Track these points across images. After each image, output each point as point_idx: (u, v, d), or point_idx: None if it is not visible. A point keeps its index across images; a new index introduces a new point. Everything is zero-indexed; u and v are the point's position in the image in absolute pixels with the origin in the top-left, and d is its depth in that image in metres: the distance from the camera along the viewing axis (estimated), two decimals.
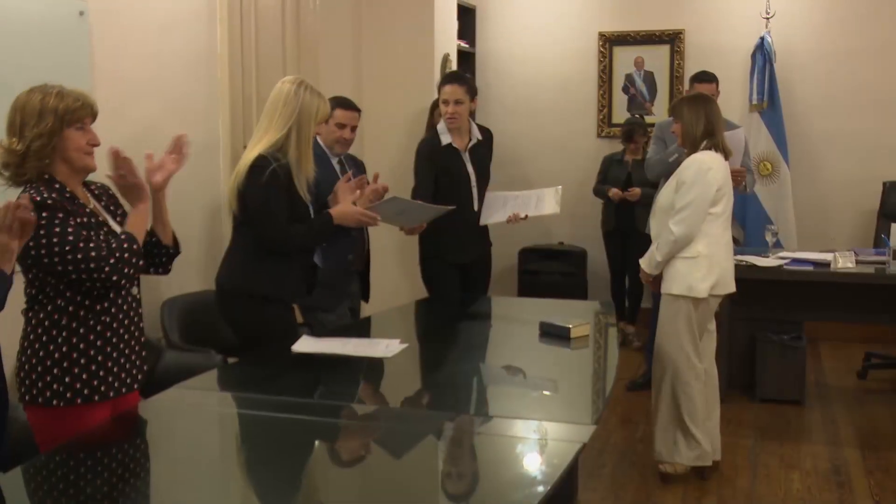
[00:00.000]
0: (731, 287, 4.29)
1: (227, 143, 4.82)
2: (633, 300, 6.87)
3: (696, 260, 4.15)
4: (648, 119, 7.02)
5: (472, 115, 4.76)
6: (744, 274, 5.21)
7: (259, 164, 3.37)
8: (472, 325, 4.21)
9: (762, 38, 6.72)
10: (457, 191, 4.53)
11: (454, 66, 6.55)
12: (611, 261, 6.86)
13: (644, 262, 4.28)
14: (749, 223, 6.86)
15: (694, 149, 4.20)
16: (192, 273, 4.53)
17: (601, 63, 7.27)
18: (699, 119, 4.19)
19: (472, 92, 4.62)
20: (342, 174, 4.07)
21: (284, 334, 3.46)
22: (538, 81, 7.37)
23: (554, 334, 3.58)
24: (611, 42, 7.24)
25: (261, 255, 3.47)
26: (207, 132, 4.69)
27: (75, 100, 2.59)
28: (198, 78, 4.64)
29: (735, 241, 6.78)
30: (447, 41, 6.45)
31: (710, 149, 4.18)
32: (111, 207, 2.79)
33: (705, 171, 4.10)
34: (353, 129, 4.25)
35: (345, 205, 3.63)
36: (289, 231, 3.45)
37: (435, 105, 5.86)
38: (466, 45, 7.22)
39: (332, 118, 4.08)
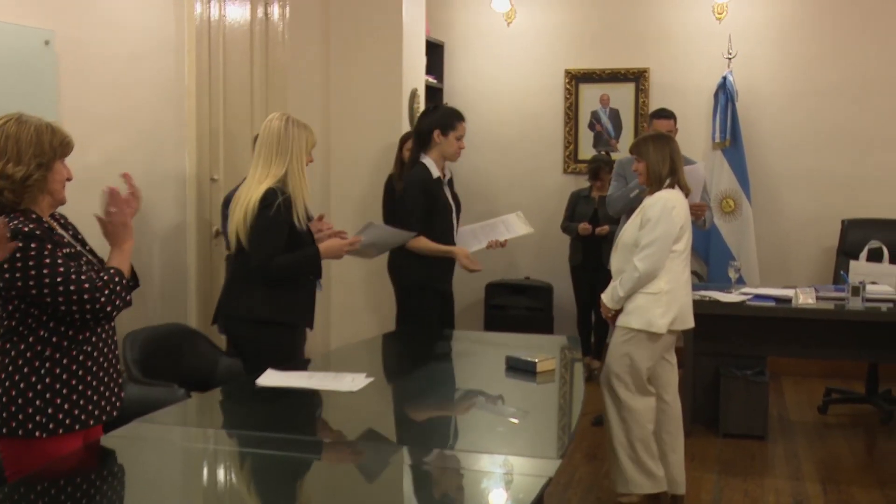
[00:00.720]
0: (689, 323, 4.34)
1: (193, 175, 4.79)
2: (600, 335, 6.88)
3: (658, 296, 4.20)
4: (614, 156, 7.08)
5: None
6: (707, 309, 5.25)
7: (268, 197, 3.63)
8: (439, 359, 4.20)
9: (724, 78, 6.81)
10: (442, 221, 4.59)
11: (422, 102, 6.58)
12: (577, 296, 6.88)
13: (606, 297, 4.31)
14: (712, 259, 6.92)
15: (658, 186, 4.26)
16: (156, 306, 4.48)
17: (567, 100, 7.33)
18: (664, 158, 4.27)
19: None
20: None
21: (289, 358, 3.67)
22: (505, 117, 7.41)
23: (520, 369, 3.57)
24: (577, 79, 7.31)
25: (268, 282, 3.69)
26: (174, 164, 4.67)
27: (64, 134, 2.66)
28: (165, 109, 4.62)
29: (698, 276, 6.88)
30: (415, 77, 6.48)
31: (671, 187, 4.26)
32: (78, 237, 2.80)
33: (670, 208, 4.16)
34: None
35: (331, 240, 3.83)
36: (272, 260, 3.64)
37: (405, 139, 5.88)
38: (434, 81, 7.25)
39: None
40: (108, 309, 2.63)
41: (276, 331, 3.73)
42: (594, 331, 6.92)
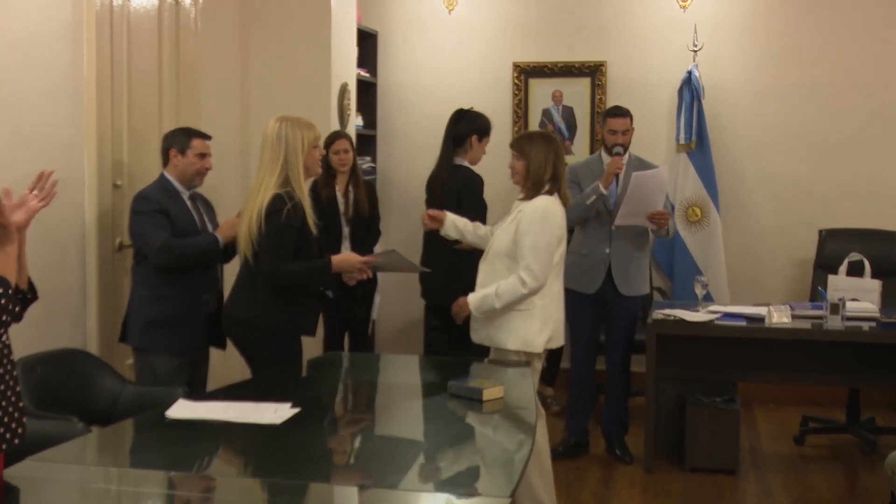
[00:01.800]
0: (561, 340, 4.58)
1: (93, 179, 4.75)
2: (552, 360, 6.95)
3: (531, 312, 4.38)
4: (568, 159, 7.15)
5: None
6: (671, 329, 5.34)
7: (275, 203, 4.11)
8: (374, 387, 4.22)
9: (689, 73, 6.92)
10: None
11: (353, 97, 6.60)
12: None
13: (474, 302, 4.39)
14: (677, 273, 7.02)
15: (536, 192, 4.43)
16: (50, 328, 4.44)
17: (516, 96, 7.40)
18: (547, 161, 4.45)
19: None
20: (193, 209, 4.62)
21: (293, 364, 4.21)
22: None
23: (464, 397, 3.61)
24: (526, 74, 7.39)
25: (276, 289, 4.18)
26: (70, 167, 4.62)
27: None
28: (59, 104, 4.58)
29: (661, 293, 6.99)
30: (346, 70, 6.50)
31: (550, 193, 4.43)
32: None
33: (551, 216, 4.36)
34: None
35: (347, 254, 4.38)
36: (281, 267, 4.14)
37: (332, 140, 5.89)
38: (367, 75, 7.28)
39: (191, 149, 4.56)
40: None
41: (279, 338, 4.22)
42: (548, 354, 6.96)
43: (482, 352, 4.62)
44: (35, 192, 2.92)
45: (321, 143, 4.50)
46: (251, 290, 4.25)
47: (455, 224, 4.77)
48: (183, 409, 3.34)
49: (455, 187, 5.55)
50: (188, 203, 4.63)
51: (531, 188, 4.45)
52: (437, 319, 5.92)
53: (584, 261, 5.62)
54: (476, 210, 5.37)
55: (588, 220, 5.59)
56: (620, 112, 5.64)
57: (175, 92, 5.47)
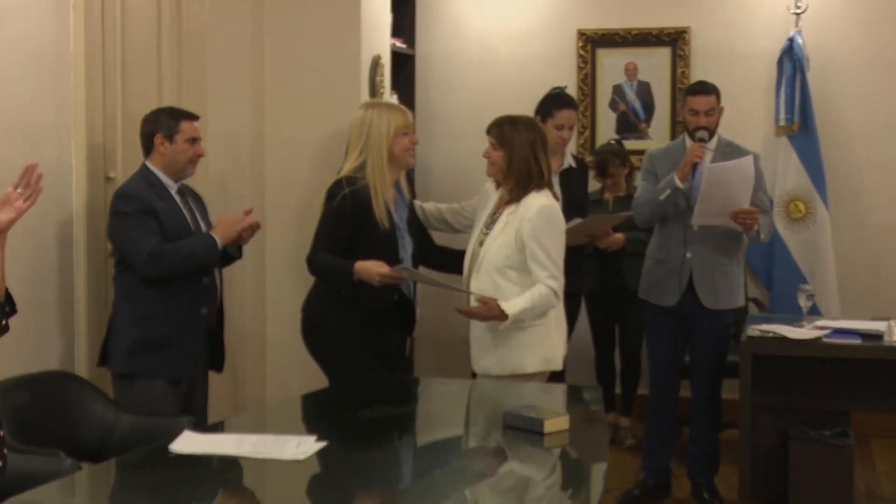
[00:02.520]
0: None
1: (81, 171, 4.80)
2: (628, 384, 6.95)
3: (547, 325, 4.55)
4: (643, 144, 7.15)
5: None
6: (770, 349, 5.31)
7: (333, 189, 4.67)
8: (413, 417, 4.23)
9: (791, 40, 6.90)
10: None
11: (387, 73, 6.63)
12: (595, 331, 6.94)
13: (514, 313, 4.44)
14: (776, 282, 6.98)
15: (522, 191, 4.54)
16: (32, 347, 4.49)
17: (581, 70, 7.40)
18: (535, 152, 4.55)
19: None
20: (184, 206, 4.67)
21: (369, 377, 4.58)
22: (497, 94, 7.45)
23: (522, 428, 3.61)
24: (594, 43, 7.38)
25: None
26: (54, 156, 4.68)
27: None
28: (42, 85, 4.64)
29: (758, 305, 6.94)
30: (378, 40, 6.53)
31: (540, 190, 4.56)
32: None
33: (556, 214, 4.55)
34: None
35: (371, 262, 4.55)
36: (317, 256, 4.69)
37: None
38: (403, 46, 7.31)
39: (180, 133, 4.61)
40: None
41: (340, 342, 4.72)
42: (620, 378, 6.98)
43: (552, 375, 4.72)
44: (20, 189, 2.95)
45: (412, 131, 4.81)
46: (318, 287, 4.83)
47: (427, 211, 5.07)
48: (189, 443, 3.36)
49: None
50: (177, 199, 4.65)
51: (516, 186, 4.56)
52: None
53: (659, 267, 5.62)
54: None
55: (666, 220, 5.57)
56: (703, 89, 5.60)
57: (177, 69, 5.51)
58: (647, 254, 5.77)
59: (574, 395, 4.51)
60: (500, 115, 4.74)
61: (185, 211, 4.66)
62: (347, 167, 4.73)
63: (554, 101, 5.98)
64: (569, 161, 6.13)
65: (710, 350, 5.68)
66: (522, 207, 4.52)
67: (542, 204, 4.52)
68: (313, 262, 4.74)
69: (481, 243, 4.66)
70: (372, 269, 4.55)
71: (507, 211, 4.57)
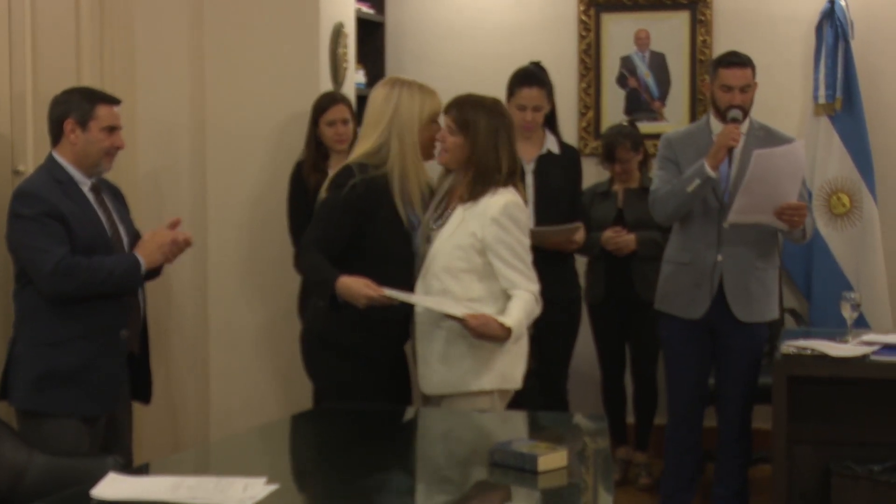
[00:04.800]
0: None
1: None
2: (642, 412, 6.95)
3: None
4: (658, 127, 7.16)
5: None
6: (808, 369, 5.32)
7: (340, 176, 4.66)
8: (386, 452, 4.22)
9: (832, 2, 6.91)
10: None
11: (351, 44, 6.63)
12: (601, 349, 6.95)
13: (517, 328, 4.50)
14: (816, 290, 7.01)
15: (483, 187, 4.56)
16: None
17: (583, 40, 7.41)
18: (500, 141, 4.57)
19: (550, 93, 6.08)
20: (98, 206, 4.59)
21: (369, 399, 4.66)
22: (483, 69, 7.43)
23: (512, 466, 3.61)
24: (599, 7, 7.40)
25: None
26: None
27: None
28: None
29: (795, 316, 6.95)
30: (341, 5, 6.54)
31: (506, 186, 4.59)
32: None
33: (522, 209, 4.63)
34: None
35: (358, 280, 4.50)
36: (309, 250, 4.72)
37: (324, 106, 5.92)
38: (371, 12, 7.31)
39: (95, 120, 4.51)
40: None
41: (352, 361, 4.74)
42: (635, 405, 6.99)
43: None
44: None
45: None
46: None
47: None
48: (115, 487, 3.35)
49: None
50: (90, 197, 4.58)
51: (474, 180, 4.57)
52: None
53: (684, 272, 5.63)
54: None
55: (691, 216, 5.57)
56: (739, 60, 5.59)
57: (98, 42, 5.51)
58: (666, 257, 5.77)
59: (576, 426, 4.50)
60: (462, 94, 4.73)
61: (99, 212, 4.58)
62: (359, 151, 4.72)
63: (515, 78, 6.03)
64: (548, 146, 6.11)
65: (741, 371, 5.70)
66: (482, 206, 4.54)
67: (505, 201, 4.55)
68: (301, 256, 4.94)
69: (428, 239, 4.67)
70: (358, 288, 4.50)
71: (462, 208, 4.58)
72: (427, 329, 4.61)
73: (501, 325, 4.44)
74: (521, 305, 4.52)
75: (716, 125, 5.60)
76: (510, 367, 4.61)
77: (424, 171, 4.71)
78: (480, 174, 4.55)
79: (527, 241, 4.63)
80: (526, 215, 4.69)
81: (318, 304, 4.78)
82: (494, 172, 4.55)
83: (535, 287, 4.57)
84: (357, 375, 4.72)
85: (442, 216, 4.66)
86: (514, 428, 4.38)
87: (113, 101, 4.62)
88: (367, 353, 4.72)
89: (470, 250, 4.53)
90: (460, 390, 4.56)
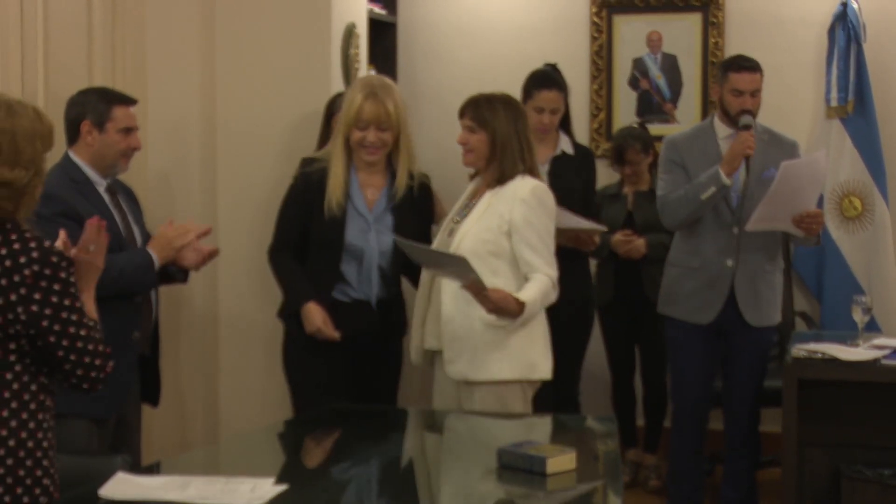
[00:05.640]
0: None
1: None
2: (652, 415, 6.96)
3: (532, 328, 4.64)
4: (670, 129, 7.15)
5: None
6: (819, 373, 5.32)
7: (299, 167, 5.12)
8: (391, 453, 4.23)
9: (844, 5, 6.90)
10: None
11: (363, 42, 6.63)
12: (611, 352, 6.96)
13: (532, 305, 4.52)
14: (827, 293, 7.00)
15: (507, 176, 4.64)
16: None
17: (595, 41, 7.41)
18: (519, 132, 4.65)
19: (567, 92, 6.18)
20: (113, 206, 4.64)
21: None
22: (495, 70, 7.44)
23: (521, 468, 3.62)
24: (611, 8, 7.39)
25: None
26: None
27: (49, 123, 3.35)
28: None
29: (806, 319, 6.94)
30: (352, 6, 6.54)
31: (524, 176, 4.66)
32: None
33: (548, 197, 4.69)
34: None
35: (317, 309, 4.92)
36: (276, 253, 5.16)
37: (333, 108, 5.91)
38: (383, 12, 7.31)
39: (112, 121, 4.56)
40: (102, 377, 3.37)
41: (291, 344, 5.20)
42: (645, 407, 7.00)
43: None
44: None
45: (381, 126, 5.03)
46: None
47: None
48: (123, 487, 3.37)
49: None
50: (105, 198, 4.61)
51: (500, 170, 4.64)
52: None
53: (694, 277, 5.64)
54: None
55: (700, 220, 5.58)
56: (750, 64, 5.61)
57: (110, 39, 5.51)
58: (672, 261, 5.77)
59: (585, 428, 4.50)
60: (473, 95, 4.81)
61: (115, 213, 4.60)
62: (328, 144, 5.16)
63: (533, 79, 6.07)
64: (563, 147, 6.16)
65: (750, 374, 5.72)
66: (510, 189, 4.61)
67: (535, 184, 4.64)
68: (270, 259, 5.22)
69: (451, 232, 4.71)
70: (311, 317, 4.96)
71: (490, 193, 4.65)
72: (454, 317, 4.63)
73: (516, 300, 4.47)
74: (538, 287, 4.55)
75: (721, 128, 5.64)
76: (538, 356, 4.67)
77: (339, 172, 4.99)
78: (506, 163, 4.62)
79: (552, 227, 4.70)
80: (553, 201, 4.72)
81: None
82: (519, 160, 4.62)
83: (554, 272, 4.61)
84: (319, 376, 5.06)
85: (467, 210, 4.73)
86: (523, 430, 4.37)
87: (129, 101, 4.65)
88: (334, 351, 4.99)
89: (497, 233, 4.59)
90: (486, 377, 4.58)
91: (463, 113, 4.73)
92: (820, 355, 5.37)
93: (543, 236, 4.61)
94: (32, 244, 3.21)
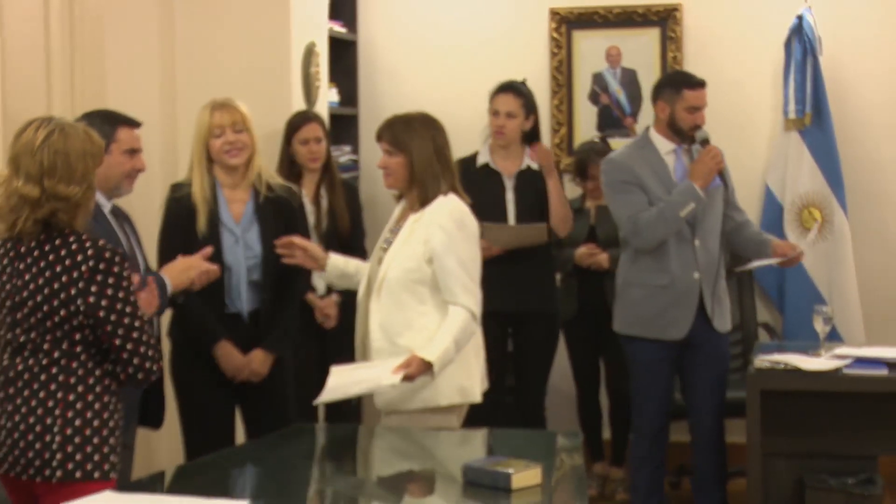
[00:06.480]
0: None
1: None
2: (618, 427, 6.96)
3: (465, 351, 4.57)
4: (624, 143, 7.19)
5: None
6: (782, 383, 5.35)
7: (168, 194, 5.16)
8: (362, 472, 4.23)
9: (800, 18, 6.94)
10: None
11: (323, 61, 6.64)
12: (576, 365, 6.98)
13: (439, 361, 4.42)
14: (789, 303, 7.03)
15: (428, 197, 4.58)
16: None
17: (555, 57, 7.43)
18: (437, 152, 4.61)
19: (529, 108, 6.22)
20: (119, 229, 4.66)
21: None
22: (457, 86, 7.47)
23: (486, 484, 3.62)
24: (570, 24, 7.41)
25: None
26: None
27: (100, 141, 3.87)
28: None
29: (769, 330, 6.98)
30: (313, 24, 6.55)
31: (445, 195, 4.61)
32: None
33: (469, 220, 4.62)
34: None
35: (232, 352, 5.04)
36: None
37: (296, 125, 5.93)
38: (344, 31, 7.32)
39: (116, 143, 4.57)
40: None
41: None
42: (611, 420, 7.03)
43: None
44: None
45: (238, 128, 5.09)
46: None
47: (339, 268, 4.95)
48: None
49: None
50: (111, 221, 4.61)
51: (421, 192, 4.59)
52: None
53: (663, 294, 5.68)
54: None
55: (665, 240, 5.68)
56: (701, 81, 5.73)
57: (68, 58, 5.49)
58: (631, 281, 5.76)
59: (551, 443, 4.51)
60: (389, 117, 4.78)
61: (121, 236, 4.60)
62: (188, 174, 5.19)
63: (495, 88, 6.23)
64: (527, 162, 6.26)
65: (715, 383, 5.80)
66: (428, 213, 4.56)
67: (452, 206, 4.58)
68: None
69: (380, 261, 4.69)
70: (229, 360, 5.08)
71: (411, 219, 4.60)
72: (383, 348, 4.59)
73: (422, 361, 4.41)
74: (451, 331, 4.48)
75: (662, 143, 5.75)
76: (469, 378, 4.62)
77: (202, 189, 5.08)
78: (425, 186, 4.58)
79: (474, 250, 4.64)
80: (472, 221, 4.66)
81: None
82: (438, 181, 4.58)
83: (473, 302, 4.55)
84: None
85: (393, 234, 4.70)
86: (487, 445, 4.38)
87: (133, 123, 4.69)
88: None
89: (421, 260, 4.53)
90: (417, 406, 4.53)
91: (380, 136, 4.69)
92: (782, 366, 5.40)
93: (465, 261, 4.56)
94: (88, 244, 3.66)
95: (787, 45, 6.99)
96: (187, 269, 4.54)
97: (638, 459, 5.87)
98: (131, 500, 3.44)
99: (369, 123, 7.51)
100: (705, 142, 5.60)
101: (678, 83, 5.75)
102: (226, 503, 3.36)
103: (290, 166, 5.91)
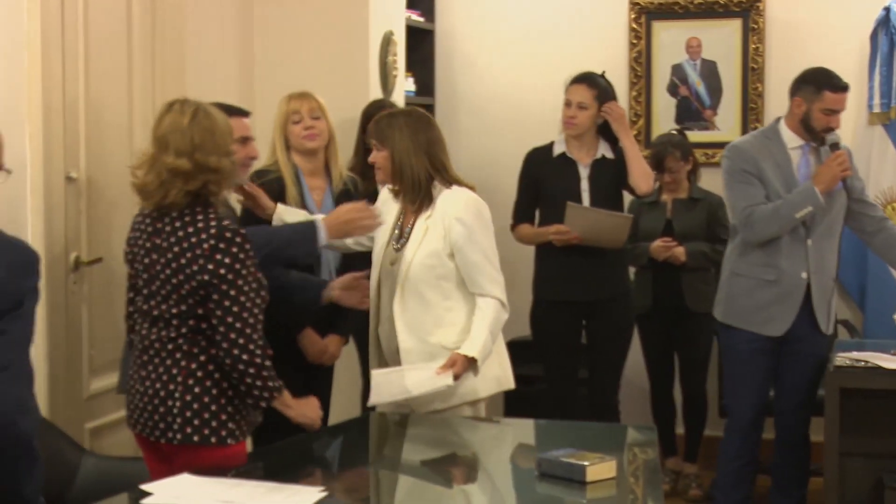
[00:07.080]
0: None
1: (38, 169, 4.81)
2: (692, 422, 6.96)
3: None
4: (710, 136, 7.16)
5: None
6: (861, 382, 5.30)
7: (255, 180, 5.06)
8: (431, 462, 4.24)
9: (887, 10, 6.91)
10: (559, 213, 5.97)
11: (400, 50, 6.66)
12: (650, 360, 6.97)
13: (481, 355, 4.48)
14: (870, 301, 7.00)
15: (415, 193, 4.60)
16: None
17: (634, 47, 7.43)
18: (417, 146, 4.60)
19: (604, 99, 6.09)
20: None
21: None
22: (532, 78, 7.49)
23: (560, 476, 3.63)
24: (650, 15, 7.40)
25: None
26: (7, 154, 4.71)
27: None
28: None
29: (849, 329, 6.93)
30: (391, 13, 6.58)
31: (449, 186, 4.64)
32: None
33: (484, 210, 4.66)
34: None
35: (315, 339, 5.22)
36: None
37: (369, 114, 5.95)
38: (421, 20, 7.34)
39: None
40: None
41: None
42: (684, 416, 7.01)
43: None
44: None
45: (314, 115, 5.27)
46: None
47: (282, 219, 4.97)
48: (168, 491, 3.40)
49: None
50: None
51: (408, 190, 4.63)
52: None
53: (769, 289, 5.66)
54: None
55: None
56: (845, 85, 5.64)
57: (150, 52, 5.53)
58: (738, 272, 5.74)
59: (625, 437, 4.50)
60: (384, 113, 4.88)
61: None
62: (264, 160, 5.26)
63: (571, 78, 6.17)
64: (602, 151, 6.15)
65: (808, 381, 5.77)
66: (440, 208, 4.57)
67: (466, 197, 4.61)
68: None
69: (393, 262, 4.69)
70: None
71: (423, 216, 4.60)
72: (412, 348, 4.61)
73: (465, 358, 4.45)
74: (485, 324, 4.53)
75: (791, 138, 5.67)
76: (502, 367, 4.73)
77: (289, 166, 5.23)
78: (408, 184, 4.61)
79: (492, 237, 4.68)
80: (486, 207, 4.69)
81: None
82: (421, 179, 4.58)
83: (500, 291, 4.61)
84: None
85: (402, 236, 4.69)
86: (561, 438, 4.39)
87: (243, 113, 4.74)
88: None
89: (442, 255, 4.55)
90: (457, 401, 4.57)
91: (370, 133, 4.77)
92: (862, 364, 5.37)
93: (487, 251, 4.61)
94: (213, 222, 3.85)
95: (874, 37, 6.95)
96: (348, 220, 4.63)
97: (728, 453, 5.83)
98: (206, 484, 3.47)
99: (446, 113, 7.55)
100: (835, 146, 5.56)
101: (820, 83, 5.64)
102: (299, 489, 3.40)
103: (366, 153, 5.90)
